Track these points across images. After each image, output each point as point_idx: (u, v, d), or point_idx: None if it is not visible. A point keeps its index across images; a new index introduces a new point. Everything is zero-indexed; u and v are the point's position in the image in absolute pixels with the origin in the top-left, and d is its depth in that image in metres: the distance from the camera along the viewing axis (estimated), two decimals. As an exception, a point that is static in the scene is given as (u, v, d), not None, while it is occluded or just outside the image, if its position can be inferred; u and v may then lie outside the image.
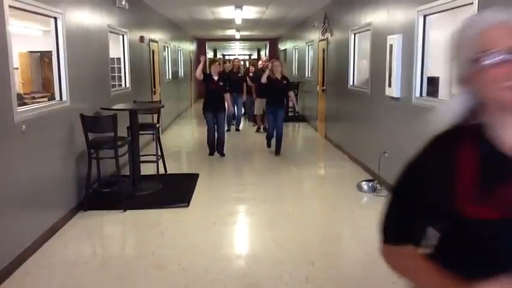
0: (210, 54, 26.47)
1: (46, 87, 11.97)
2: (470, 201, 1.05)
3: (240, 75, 11.34)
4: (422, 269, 1.15)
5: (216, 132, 8.06)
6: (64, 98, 4.91)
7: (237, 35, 18.14)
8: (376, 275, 3.61)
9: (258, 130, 11.10)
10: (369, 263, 3.88)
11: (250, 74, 11.63)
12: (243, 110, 12.26)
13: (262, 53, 27.54)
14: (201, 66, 7.90)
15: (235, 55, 29.62)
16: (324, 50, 10.16)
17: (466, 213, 1.05)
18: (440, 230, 1.20)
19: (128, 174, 5.99)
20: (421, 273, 1.16)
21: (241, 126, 11.71)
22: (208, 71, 8.21)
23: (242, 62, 18.70)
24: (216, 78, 7.94)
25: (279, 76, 8.12)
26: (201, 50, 20.92)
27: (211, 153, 8.15)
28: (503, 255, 1.06)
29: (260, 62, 12.80)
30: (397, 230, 1.25)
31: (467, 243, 1.10)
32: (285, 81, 8.25)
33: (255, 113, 11.33)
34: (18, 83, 10.97)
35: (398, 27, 5.51)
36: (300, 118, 13.04)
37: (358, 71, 7.86)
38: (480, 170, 1.06)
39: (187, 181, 6.35)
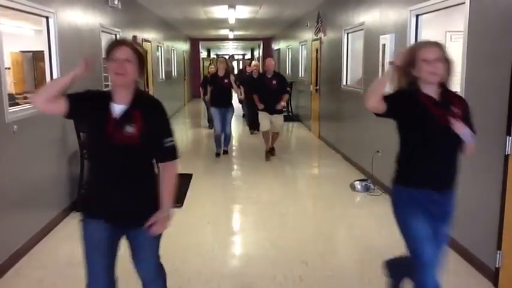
0: (203, 54, 26.31)
1: (39, 87, 11.89)
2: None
3: (226, 80, 7.98)
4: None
5: None
6: (56, 98, 4.87)
7: (231, 35, 18.12)
8: (369, 274, 3.62)
9: (267, 156, 7.86)
10: (363, 262, 3.89)
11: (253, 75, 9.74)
12: (232, 127, 9.26)
13: (256, 52, 27.53)
14: (60, 83, 2.23)
15: (228, 55, 29.26)
16: (317, 50, 10.17)
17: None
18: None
19: (121, 174, 5.95)
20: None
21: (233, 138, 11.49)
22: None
23: (236, 63, 17.65)
24: (132, 130, 2.20)
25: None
26: (194, 50, 20.92)
27: None
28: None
29: (253, 64, 10.54)
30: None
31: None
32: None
33: (261, 130, 8.03)
34: (10, 83, 10.91)
35: (391, 27, 5.53)
36: (293, 118, 13.07)
37: (351, 70, 7.87)
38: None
39: (181, 181, 6.29)
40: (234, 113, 8.38)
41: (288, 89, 10.34)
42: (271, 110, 7.64)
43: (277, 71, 8.76)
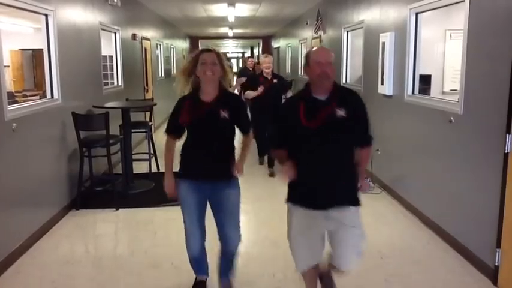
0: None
1: (38, 85, 11.89)
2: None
3: (224, 113, 2.88)
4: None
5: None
6: (55, 96, 4.87)
7: (230, 33, 18.11)
8: (368, 272, 3.63)
9: None
10: (362, 261, 3.89)
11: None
12: None
13: (256, 51, 27.51)
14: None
15: (228, 53, 29.09)
16: (317, 48, 10.15)
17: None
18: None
19: (121, 172, 5.96)
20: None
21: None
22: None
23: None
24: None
25: None
26: (194, 48, 20.90)
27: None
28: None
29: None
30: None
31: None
32: None
33: (298, 269, 3.08)
34: (9, 81, 10.90)
35: (391, 25, 5.52)
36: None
37: (351, 69, 7.87)
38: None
39: (180, 179, 6.32)
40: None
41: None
42: (328, 200, 2.77)
43: (339, 84, 2.81)
